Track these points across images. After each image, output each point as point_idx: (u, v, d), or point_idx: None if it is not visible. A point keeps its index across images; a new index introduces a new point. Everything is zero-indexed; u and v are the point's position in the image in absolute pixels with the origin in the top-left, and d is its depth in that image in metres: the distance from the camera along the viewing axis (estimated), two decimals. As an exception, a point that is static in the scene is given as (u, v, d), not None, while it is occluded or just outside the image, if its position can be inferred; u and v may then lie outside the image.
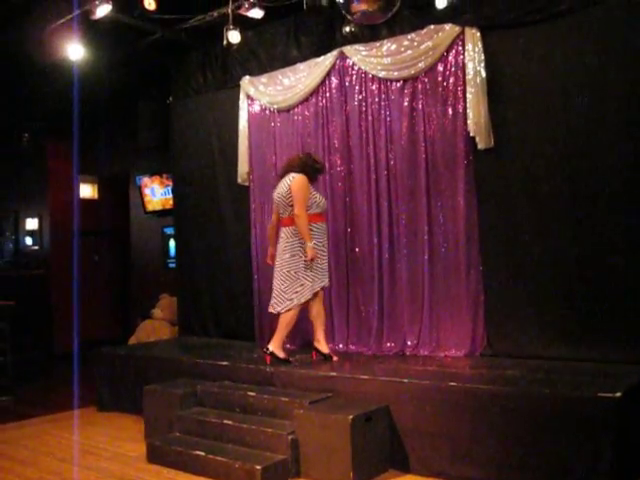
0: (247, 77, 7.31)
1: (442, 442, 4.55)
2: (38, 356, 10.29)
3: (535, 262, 5.41)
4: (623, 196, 4.99)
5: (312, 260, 5.73)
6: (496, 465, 4.30)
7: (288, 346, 6.38)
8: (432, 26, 5.90)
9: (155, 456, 5.21)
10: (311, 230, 5.78)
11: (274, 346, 5.84)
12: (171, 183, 9.20)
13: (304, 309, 5.95)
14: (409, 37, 6.05)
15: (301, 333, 6.44)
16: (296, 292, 5.81)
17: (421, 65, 5.95)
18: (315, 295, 5.89)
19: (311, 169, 5.99)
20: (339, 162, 6.53)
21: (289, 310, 5.83)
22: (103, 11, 6.59)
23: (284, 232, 5.92)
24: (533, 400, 4.22)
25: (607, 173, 5.06)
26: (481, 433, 4.38)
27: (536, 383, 4.51)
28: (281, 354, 5.85)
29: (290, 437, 4.75)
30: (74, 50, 7.04)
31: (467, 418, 4.44)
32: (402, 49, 6.08)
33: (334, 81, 6.61)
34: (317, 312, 5.96)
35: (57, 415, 6.93)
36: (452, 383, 4.63)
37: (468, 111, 5.63)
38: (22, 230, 12.01)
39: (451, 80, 5.84)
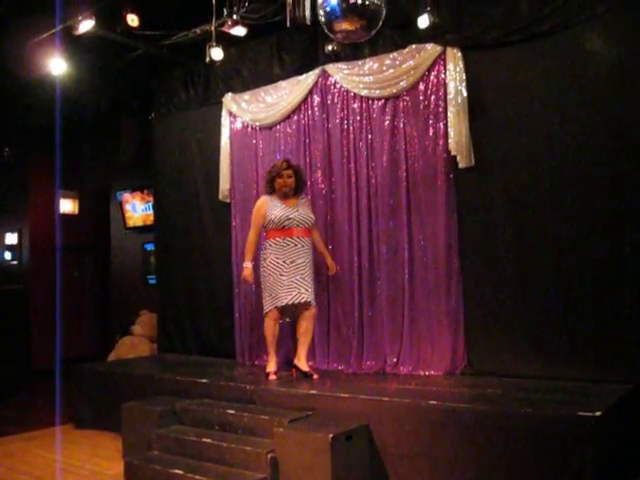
0: (229, 94, 7.32)
1: (422, 461, 4.52)
2: (16, 372, 10.17)
3: (516, 281, 5.43)
4: (605, 214, 5.02)
5: (244, 280, 6.13)
6: (476, 484, 4.29)
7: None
8: (414, 45, 5.94)
9: (133, 475, 5.14)
10: (270, 246, 5.91)
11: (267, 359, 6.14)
12: (152, 199, 9.17)
13: (292, 325, 6.16)
14: (391, 56, 6.09)
15: (282, 350, 6.41)
16: (264, 305, 5.99)
17: (403, 84, 5.98)
18: (303, 311, 5.91)
19: (270, 181, 6.07)
20: (320, 179, 6.53)
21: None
22: (86, 27, 6.60)
23: None
24: (514, 419, 4.21)
25: (588, 191, 5.08)
26: (461, 452, 4.35)
27: (517, 402, 4.51)
28: (267, 368, 6.02)
29: (270, 456, 4.70)
30: (56, 65, 7.04)
31: (447, 437, 4.42)
32: (384, 68, 6.12)
33: (316, 99, 6.62)
34: (304, 330, 5.95)
35: (34, 432, 6.83)
36: (432, 402, 4.62)
37: (449, 130, 5.65)
38: (1, 245, 11.90)
39: (432, 99, 5.87)
